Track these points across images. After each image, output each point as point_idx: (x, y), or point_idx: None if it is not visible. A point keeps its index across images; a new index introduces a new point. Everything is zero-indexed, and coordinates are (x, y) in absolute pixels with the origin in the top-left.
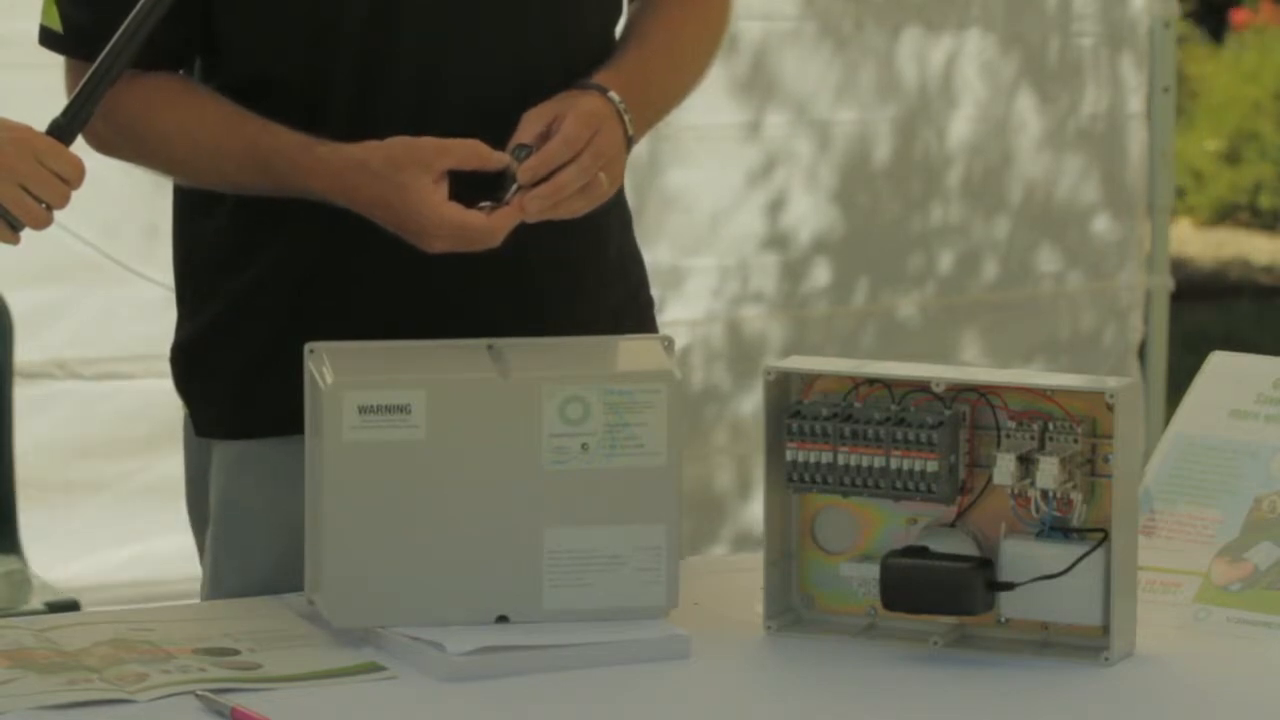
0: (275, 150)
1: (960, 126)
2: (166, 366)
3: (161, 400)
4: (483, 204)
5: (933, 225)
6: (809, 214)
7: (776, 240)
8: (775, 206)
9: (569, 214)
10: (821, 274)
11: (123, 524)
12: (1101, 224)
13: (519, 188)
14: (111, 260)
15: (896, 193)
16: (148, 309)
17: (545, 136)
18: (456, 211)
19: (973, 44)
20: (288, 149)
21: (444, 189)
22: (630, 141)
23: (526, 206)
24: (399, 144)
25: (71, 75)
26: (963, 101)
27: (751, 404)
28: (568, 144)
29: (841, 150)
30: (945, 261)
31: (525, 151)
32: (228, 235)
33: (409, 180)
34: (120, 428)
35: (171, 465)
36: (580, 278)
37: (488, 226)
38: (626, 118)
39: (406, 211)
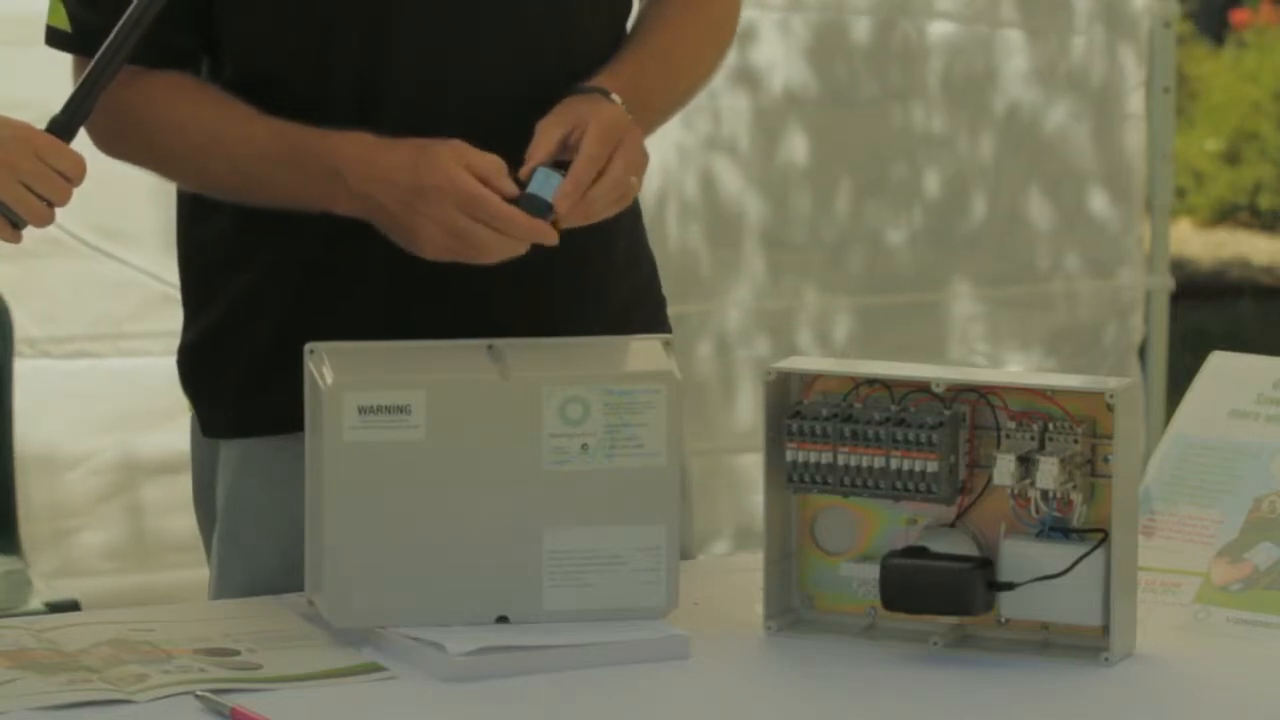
0: (301, 134)
1: (940, 29)
2: (133, 345)
3: (132, 379)
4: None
5: (916, 126)
6: (780, 60)
7: (746, 76)
8: (743, 38)
9: (599, 219)
10: (799, 146)
11: (96, 503)
12: (1099, 204)
13: (556, 216)
14: (74, 238)
15: (874, 75)
16: (110, 287)
17: (564, 144)
18: (471, 178)
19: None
20: (312, 131)
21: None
22: None
23: (563, 225)
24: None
25: (78, 74)
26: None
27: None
28: (594, 163)
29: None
30: (932, 182)
31: (549, 175)
32: (230, 236)
33: (438, 144)
34: (91, 406)
35: (142, 444)
36: (587, 276)
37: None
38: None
39: (424, 167)
